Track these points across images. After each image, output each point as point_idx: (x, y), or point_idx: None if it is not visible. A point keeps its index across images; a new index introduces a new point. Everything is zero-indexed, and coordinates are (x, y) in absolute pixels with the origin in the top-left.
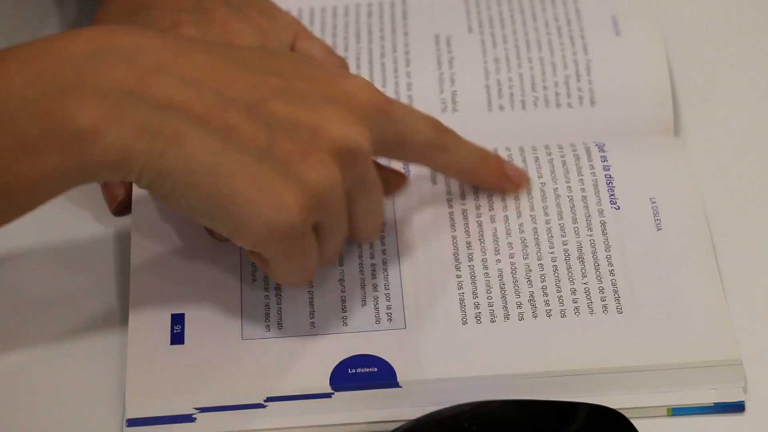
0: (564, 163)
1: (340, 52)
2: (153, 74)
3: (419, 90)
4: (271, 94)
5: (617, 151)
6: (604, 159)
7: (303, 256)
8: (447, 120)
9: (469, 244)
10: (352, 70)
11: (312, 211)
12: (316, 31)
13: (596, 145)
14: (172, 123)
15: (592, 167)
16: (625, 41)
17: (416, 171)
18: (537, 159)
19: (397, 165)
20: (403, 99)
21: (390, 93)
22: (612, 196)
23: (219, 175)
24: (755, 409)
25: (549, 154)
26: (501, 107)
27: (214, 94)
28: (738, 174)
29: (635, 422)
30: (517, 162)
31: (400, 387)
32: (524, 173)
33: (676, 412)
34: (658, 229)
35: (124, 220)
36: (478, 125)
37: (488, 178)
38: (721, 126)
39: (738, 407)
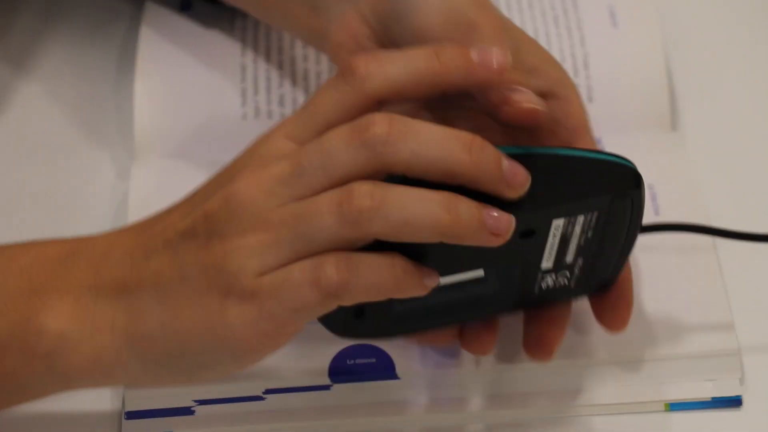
0: None
1: None
2: (100, 263)
3: None
4: (176, 219)
5: (614, 146)
6: None
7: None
8: None
9: None
10: None
11: (242, 276)
12: None
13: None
14: (121, 306)
15: None
16: (623, 33)
17: None
18: None
19: None
20: None
21: None
22: None
23: (168, 324)
24: (752, 404)
25: None
26: None
27: (141, 257)
28: (736, 167)
29: (632, 417)
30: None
31: (399, 379)
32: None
33: (674, 407)
34: (656, 214)
35: (121, 219)
36: None
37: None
38: (719, 120)
39: (735, 402)
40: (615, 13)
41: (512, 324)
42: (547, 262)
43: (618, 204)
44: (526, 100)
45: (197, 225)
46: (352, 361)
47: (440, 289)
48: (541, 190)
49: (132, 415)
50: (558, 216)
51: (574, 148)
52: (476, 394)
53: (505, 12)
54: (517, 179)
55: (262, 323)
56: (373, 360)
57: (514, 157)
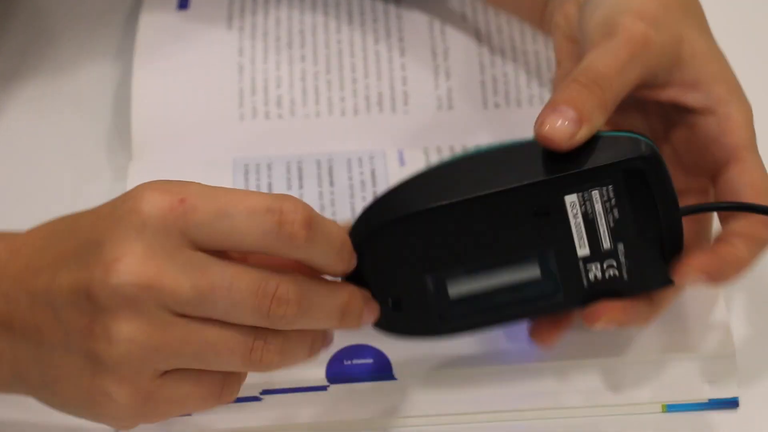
0: None
1: (332, 33)
2: None
3: (414, 86)
4: (61, 268)
5: None
6: None
7: (180, 403)
8: (442, 117)
9: None
10: (345, 57)
11: (136, 373)
12: (307, 13)
13: None
14: (4, 348)
15: None
16: None
17: (409, 157)
18: None
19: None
20: (398, 95)
21: (385, 89)
22: None
23: (49, 385)
24: (749, 405)
25: None
26: (497, 105)
27: (24, 297)
28: None
29: (629, 418)
30: None
31: (396, 380)
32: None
33: (671, 408)
34: None
35: None
36: (473, 123)
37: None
38: None
39: (732, 403)
40: None
41: (512, 330)
42: (582, 249)
43: (633, 177)
44: (547, 122)
45: (80, 296)
46: (349, 362)
47: (490, 290)
48: (542, 167)
49: None
50: (568, 191)
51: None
52: (473, 395)
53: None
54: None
55: (144, 418)
56: (370, 361)
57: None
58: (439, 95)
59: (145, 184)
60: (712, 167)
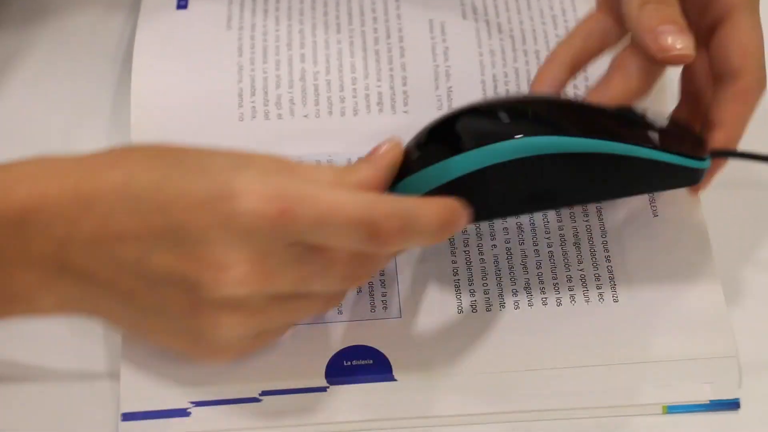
0: None
1: (331, 33)
2: (63, 245)
3: (414, 86)
4: (152, 244)
5: None
6: None
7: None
8: None
9: (464, 230)
10: (345, 56)
11: (228, 352)
12: (307, 13)
13: None
14: (86, 292)
15: None
16: None
17: None
18: None
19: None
20: (398, 95)
21: (385, 89)
22: None
23: (138, 330)
24: (750, 406)
25: None
26: None
27: (108, 256)
28: (734, 163)
29: (630, 419)
30: None
31: (396, 381)
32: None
33: (672, 409)
34: (655, 216)
35: None
36: None
37: None
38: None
39: (733, 405)
40: None
41: (512, 330)
42: None
43: None
44: (675, 47)
45: (185, 274)
46: (349, 363)
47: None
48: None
49: (128, 417)
50: None
51: None
52: (474, 396)
53: (503, 11)
54: None
55: (233, 358)
56: (370, 362)
57: None
58: (439, 95)
59: (241, 178)
60: (710, 24)
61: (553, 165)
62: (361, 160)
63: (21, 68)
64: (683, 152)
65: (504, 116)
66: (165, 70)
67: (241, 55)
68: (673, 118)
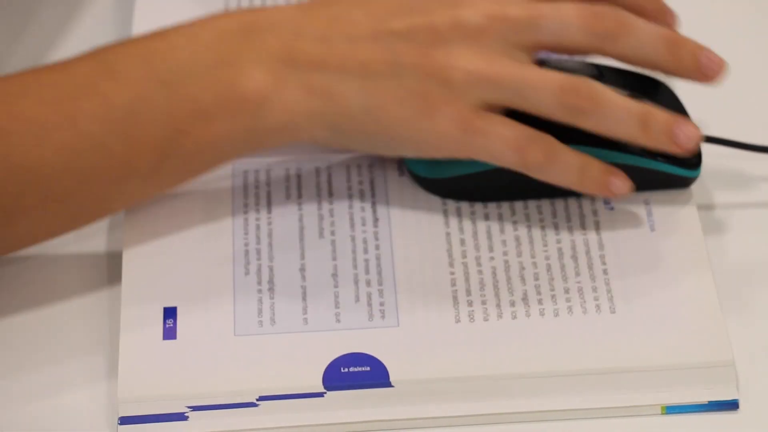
0: None
1: None
2: (293, 41)
3: None
4: (387, 16)
5: None
6: None
7: (500, 135)
8: None
9: (462, 241)
10: None
11: (463, 98)
12: None
13: None
14: (318, 81)
15: None
16: None
17: None
18: None
19: None
20: None
21: None
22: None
23: (372, 111)
24: (749, 407)
25: None
26: None
27: (341, 40)
28: (731, 175)
29: (628, 420)
30: None
31: (393, 387)
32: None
33: (670, 410)
34: (652, 230)
35: (117, 214)
36: None
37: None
38: (714, 127)
39: (732, 405)
40: None
41: (510, 340)
42: None
43: None
44: (711, 67)
45: (419, 32)
46: (347, 369)
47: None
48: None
49: (126, 421)
50: None
51: None
52: (472, 401)
53: None
54: (712, 69)
55: (462, 143)
56: (368, 368)
57: None
58: None
59: None
60: None
61: None
62: None
63: (15, 61)
64: (673, 161)
65: None
66: None
67: None
68: None
